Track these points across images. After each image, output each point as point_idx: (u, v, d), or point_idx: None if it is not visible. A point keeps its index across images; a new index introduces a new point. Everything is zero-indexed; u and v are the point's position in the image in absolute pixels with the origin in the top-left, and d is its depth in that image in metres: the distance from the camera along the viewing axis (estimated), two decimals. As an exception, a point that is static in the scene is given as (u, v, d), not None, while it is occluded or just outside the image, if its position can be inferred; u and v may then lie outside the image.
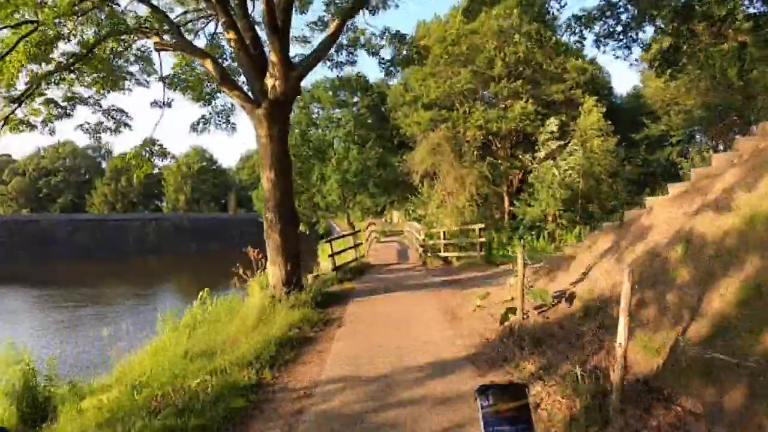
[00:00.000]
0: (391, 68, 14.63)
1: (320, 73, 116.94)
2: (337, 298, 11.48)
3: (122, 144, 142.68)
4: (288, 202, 11.34)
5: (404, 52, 14.22)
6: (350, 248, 15.23)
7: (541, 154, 30.64)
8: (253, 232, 39.92)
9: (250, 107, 11.11)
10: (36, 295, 31.69)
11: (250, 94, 11.51)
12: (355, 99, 36.54)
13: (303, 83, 13.65)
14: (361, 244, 17.84)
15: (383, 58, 14.38)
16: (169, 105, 13.82)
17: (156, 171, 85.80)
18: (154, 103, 13.59)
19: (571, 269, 8.07)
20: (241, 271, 10.70)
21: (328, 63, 14.69)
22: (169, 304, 16.89)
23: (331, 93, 36.60)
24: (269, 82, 11.11)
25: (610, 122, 33.71)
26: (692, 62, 18.24)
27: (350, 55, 14.72)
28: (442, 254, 16.69)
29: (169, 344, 8.32)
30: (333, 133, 35.04)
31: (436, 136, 30.00)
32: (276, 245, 10.92)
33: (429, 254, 17.01)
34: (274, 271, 10.96)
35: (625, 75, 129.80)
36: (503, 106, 32.01)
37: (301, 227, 38.65)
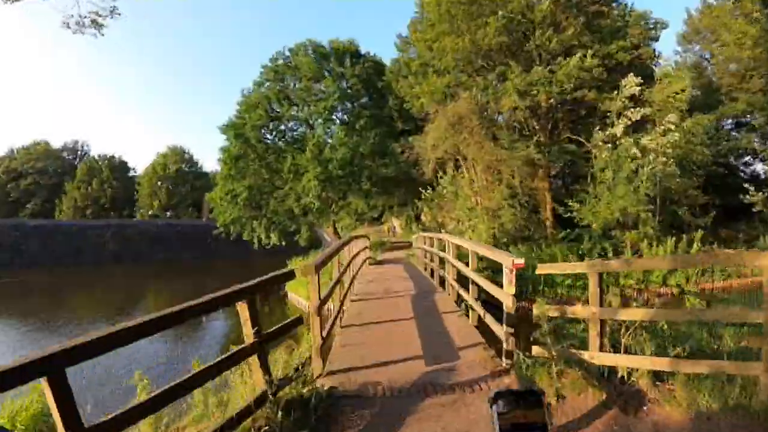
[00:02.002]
0: None
1: (300, 33, 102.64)
2: None
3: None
4: None
5: None
6: (279, 331, 3.84)
7: (618, 128, 20.12)
8: (229, 242, 28.32)
9: None
10: None
11: None
12: (342, 71, 25.74)
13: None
14: (299, 321, 4.39)
15: None
16: None
17: (131, 174, 75.81)
18: None
19: None
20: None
21: None
22: None
23: (313, 59, 25.82)
24: None
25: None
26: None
27: None
28: (617, 360, 4.14)
29: None
30: (312, 109, 24.29)
31: (459, 107, 19.26)
32: None
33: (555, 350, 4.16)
34: None
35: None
36: (548, 68, 21.23)
37: (274, 238, 27.95)
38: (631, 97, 21.27)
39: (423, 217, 45.25)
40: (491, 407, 0.76)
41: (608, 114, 21.50)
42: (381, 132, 24.95)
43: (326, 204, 23.57)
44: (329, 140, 24.34)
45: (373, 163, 24.14)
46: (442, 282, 10.06)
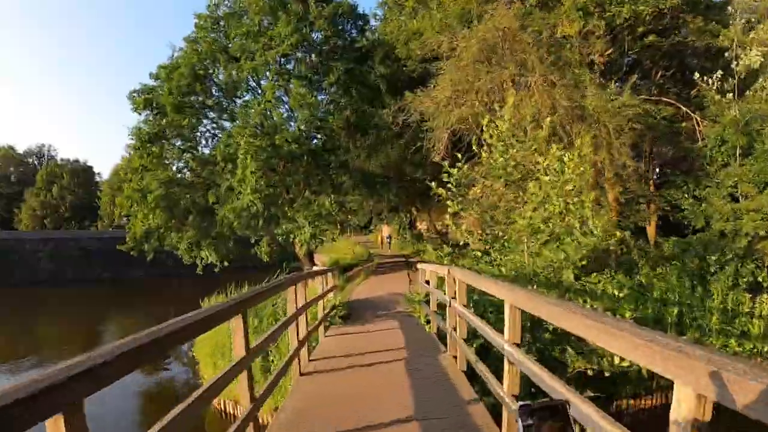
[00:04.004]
0: None
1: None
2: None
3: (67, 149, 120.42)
4: None
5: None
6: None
7: (751, 58, 11.28)
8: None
9: None
10: None
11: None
12: (305, 11, 16.48)
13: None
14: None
15: None
16: None
17: (97, 180, 66.13)
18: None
19: None
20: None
21: None
22: None
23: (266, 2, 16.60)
24: None
25: None
26: None
27: None
28: None
29: None
30: (258, 60, 15.07)
31: (497, 22, 9.93)
32: None
33: None
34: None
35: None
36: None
37: (211, 256, 18.37)
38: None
39: (419, 225, 35.94)
40: (517, 420, 0.70)
41: (721, 52, 12.74)
42: (361, 96, 15.81)
43: (276, 204, 14.29)
44: (284, 108, 15.18)
45: (350, 142, 15.03)
46: None
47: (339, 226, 19.76)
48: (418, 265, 7.96)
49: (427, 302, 7.47)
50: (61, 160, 65.98)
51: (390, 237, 29.61)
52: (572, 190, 5.78)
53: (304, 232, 13.37)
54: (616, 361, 4.88)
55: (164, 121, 16.49)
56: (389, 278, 14.67)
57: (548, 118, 6.00)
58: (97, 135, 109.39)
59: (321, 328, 6.58)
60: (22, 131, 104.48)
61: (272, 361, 6.73)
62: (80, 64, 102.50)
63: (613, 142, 9.10)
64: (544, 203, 5.53)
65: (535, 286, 5.45)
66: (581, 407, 1.96)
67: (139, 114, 16.81)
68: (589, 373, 5.40)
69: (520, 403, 0.73)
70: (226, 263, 16.50)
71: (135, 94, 16.82)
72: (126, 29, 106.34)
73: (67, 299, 31.10)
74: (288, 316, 4.09)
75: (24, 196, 62.59)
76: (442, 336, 6.24)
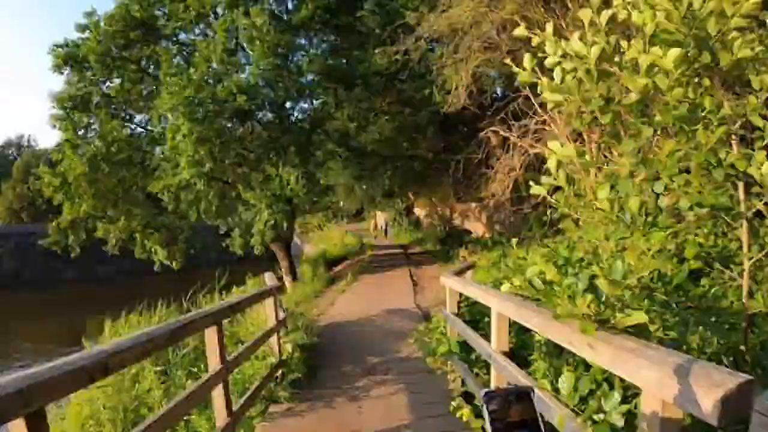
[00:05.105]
0: None
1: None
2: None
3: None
4: None
5: None
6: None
7: None
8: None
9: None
10: None
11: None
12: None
13: None
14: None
15: None
16: None
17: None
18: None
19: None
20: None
21: None
22: None
23: None
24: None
25: None
26: None
27: None
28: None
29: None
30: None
31: None
32: None
33: None
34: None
35: None
36: None
37: (160, 254, 13.81)
38: None
39: (417, 211, 32.06)
40: (483, 406, 0.68)
41: None
42: (345, 41, 11.83)
43: (228, 182, 10.43)
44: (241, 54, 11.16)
45: (334, 100, 11.08)
46: None
47: (330, 212, 15.85)
48: (442, 279, 4.17)
49: (465, 353, 3.65)
50: (39, 149, 61.25)
51: (387, 224, 25.73)
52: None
53: (261, 219, 9.49)
54: None
55: (92, 79, 12.49)
56: (386, 280, 10.84)
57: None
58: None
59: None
60: (6, 124, 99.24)
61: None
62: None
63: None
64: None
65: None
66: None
67: (61, 73, 12.75)
68: None
69: (485, 389, 0.70)
70: (174, 263, 12.60)
71: (55, 53, 12.70)
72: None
73: (37, 309, 26.74)
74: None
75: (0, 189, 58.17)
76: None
